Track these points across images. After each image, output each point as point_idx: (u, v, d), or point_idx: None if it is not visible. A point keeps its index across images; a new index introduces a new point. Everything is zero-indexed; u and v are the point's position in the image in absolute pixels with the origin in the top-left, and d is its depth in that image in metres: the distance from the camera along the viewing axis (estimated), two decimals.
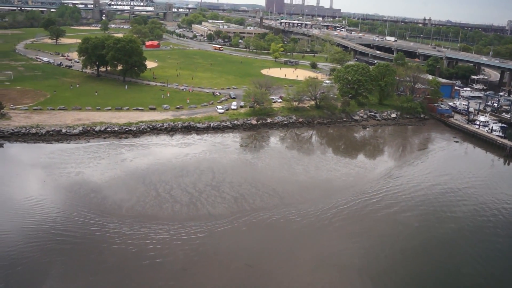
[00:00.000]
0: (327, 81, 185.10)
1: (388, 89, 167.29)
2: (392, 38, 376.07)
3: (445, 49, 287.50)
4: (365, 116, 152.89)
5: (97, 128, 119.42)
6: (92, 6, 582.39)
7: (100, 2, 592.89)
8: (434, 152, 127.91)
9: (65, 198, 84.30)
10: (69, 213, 79.20)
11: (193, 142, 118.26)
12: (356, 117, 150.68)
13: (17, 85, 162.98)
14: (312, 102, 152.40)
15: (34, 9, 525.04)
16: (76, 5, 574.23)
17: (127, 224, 76.37)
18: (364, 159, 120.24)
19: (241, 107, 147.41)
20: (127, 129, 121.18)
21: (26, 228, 74.20)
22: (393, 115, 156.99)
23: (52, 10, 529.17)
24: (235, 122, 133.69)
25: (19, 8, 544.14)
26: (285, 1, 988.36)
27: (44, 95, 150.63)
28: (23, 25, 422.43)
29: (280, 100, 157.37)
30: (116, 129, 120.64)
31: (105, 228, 75.32)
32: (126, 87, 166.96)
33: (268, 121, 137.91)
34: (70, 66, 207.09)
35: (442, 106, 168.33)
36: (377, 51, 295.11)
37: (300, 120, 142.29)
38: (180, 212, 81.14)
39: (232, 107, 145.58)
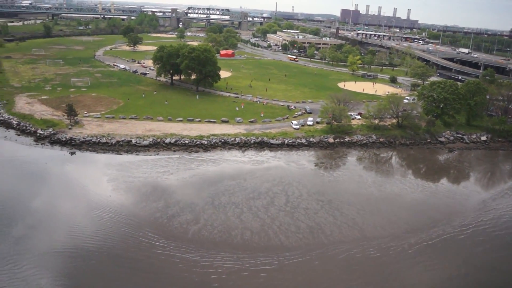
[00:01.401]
0: (408, 98, 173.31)
1: (478, 109, 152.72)
2: (466, 50, 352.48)
3: None
4: (452, 138, 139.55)
5: (167, 140, 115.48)
6: (170, 14, 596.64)
7: (178, 10, 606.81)
8: None
9: (130, 215, 79.91)
10: (134, 232, 74.84)
11: (266, 160, 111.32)
12: (442, 139, 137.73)
13: (93, 91, 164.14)
14: (394, 121, 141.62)
15: (115, 16, 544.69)
16: (155, 13, 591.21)
17: (192, 250, 70.75)
18: (451, 187, 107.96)
19: (318, 123, 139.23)
20: (198, 143, 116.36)
21: (87, 246, 70.58)
22: (483, 138, 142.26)
23: (132, 17, 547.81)
24: (311, 139, 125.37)
25: (102, 16, 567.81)
26: (361, 12, 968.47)
27: (117, 102, 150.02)
28: (104, 32, 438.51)
29: (358, 117, 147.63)
30: (186, 142, 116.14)
31: (169, 252, 70.33)
32: (197, 97, 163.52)
33: (346, 139, 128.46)
34: (145, 74, 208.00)
35: None
36: (461, 66, 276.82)
37: (381, 140, 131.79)
38: (251, 241, 74.27)
39: (308, 122, 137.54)
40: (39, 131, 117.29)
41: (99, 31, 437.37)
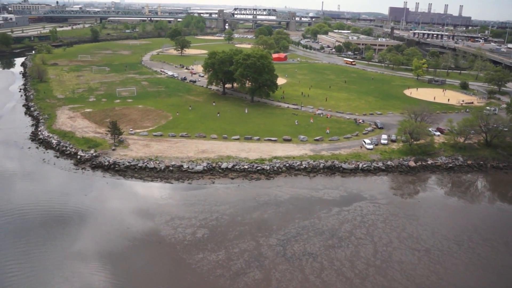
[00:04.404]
0: (488, 108, 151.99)
1: None
2: None
3: None
4: None
5: (224, 165, 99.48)
6: (217, 15, 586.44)
7: (224, 11, 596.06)
8: None
9: (187, 271, 64.25)
10: None
11: (339, 190, 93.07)
12: None
13: (139, 103, 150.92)
14: (481, 138, 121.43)
15: (162, 19, 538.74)
16: (201, 14, 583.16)
17: None
18: None
19: (392, 141, 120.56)
20: (258, 168, 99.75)
21: None
22: None
23: (179, 20, 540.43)
24: (389, 162, 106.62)
25: (149, 18, 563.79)
26: (409, 9, 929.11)
27: (166, 116, 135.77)
28: (151, 35, 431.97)
29: (438, 133, 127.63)
30: (246, 167, 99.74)
31: None
32: (246, 110, 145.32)
33: (429, 162, 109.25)
34: (194, 81, 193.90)
35: None
36: None
37: (469, 162, 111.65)
38: None
39: (382, 141, 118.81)
40: (79, 152, 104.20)
41: (146, 34, 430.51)
